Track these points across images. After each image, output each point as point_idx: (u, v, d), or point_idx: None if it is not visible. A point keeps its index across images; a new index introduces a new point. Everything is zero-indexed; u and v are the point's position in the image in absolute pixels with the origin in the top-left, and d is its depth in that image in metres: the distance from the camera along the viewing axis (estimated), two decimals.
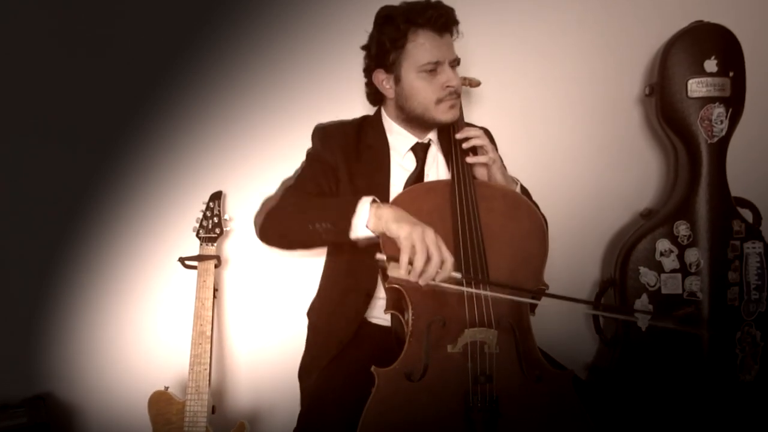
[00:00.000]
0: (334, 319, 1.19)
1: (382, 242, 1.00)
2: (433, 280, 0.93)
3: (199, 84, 1.49)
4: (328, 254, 1.26)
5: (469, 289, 0.98)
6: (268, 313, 1.53)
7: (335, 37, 1.48)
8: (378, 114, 1.26)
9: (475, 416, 0.93)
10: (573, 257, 1.56)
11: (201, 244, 1.41)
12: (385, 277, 1.04)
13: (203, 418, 1.30)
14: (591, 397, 1.02)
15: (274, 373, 1.50)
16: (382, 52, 1.15)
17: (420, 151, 1.21)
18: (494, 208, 1.08)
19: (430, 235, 0.92)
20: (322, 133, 1.22)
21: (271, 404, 1.53)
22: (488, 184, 1.14)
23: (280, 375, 1.48)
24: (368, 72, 1.22)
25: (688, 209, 1.44)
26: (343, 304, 1.17)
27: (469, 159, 1.14)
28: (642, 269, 1.43)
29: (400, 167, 1.21)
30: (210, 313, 1.36)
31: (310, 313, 1.28)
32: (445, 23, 1.13)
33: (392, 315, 1.10)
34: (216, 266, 1.41)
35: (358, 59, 1.24)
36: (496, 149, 1.20)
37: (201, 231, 1.41)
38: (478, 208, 1.06)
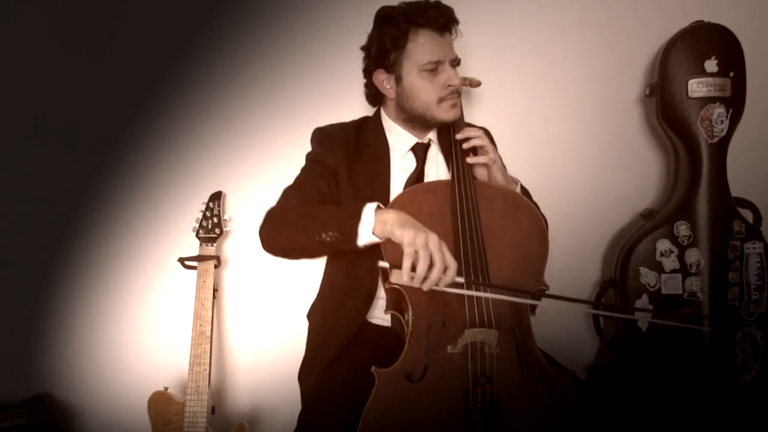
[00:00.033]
0: (334, 320, 1.18)
1: (383, 246, 1.00)
2: (437, 285, 0.92)
3: (199, 84, 1.49)
4: (329, 256, 1.26)
5: (470, 292, 0.98)
6: (267, 314, 1.53)
7: (335, 37, 1.48)
8: (377, 114, 1.26)
9: (475, 417, 0.93)
10: (573, 257, 1.56)
11: (200, 245, 1.41)
12: (386, 278, 1.04)
13: (203, 419, 1.30)
14: (591, 397, 1.02)
15: (273, 374, 1.50)
16: (383, 52, 1.15)
17: (420, 152, 1.21)
18: (494, 208, 1.08)
19: (433, 240, 0.92)
20: (322, 136, 1.22)
21: (271, 405, 1.52)
22: (488, 184, 1.13)
23: (280, 375, 1.48)
24: (368, 72, 1.21)
25: (689, 209, 1.44)
26: (344, 305, 1.17)
27: (470, 159, 1.13)
28: (642, 269, 1.43)
29: (400, 167, 1.21)
30: (209, 314, 1.36)
31: (311, 315, 1.28)
32: (445, 23, 1.13)
33: (392, 315, 1.10)
34: (216, 266, 1.41)
35: (358, 59, 1.24)
36: (496, 149, 1.20)
37: (201, 231, 1.41)
38: (478, 209, 1.06)
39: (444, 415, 0.94)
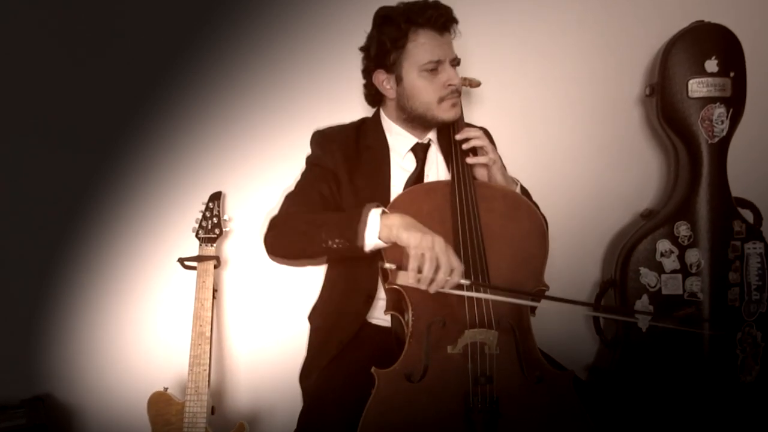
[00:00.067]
0: (334, 320, 1.19)
1: (384, 249, 1.00)
2: (443, 288, 0.92)
3: (199, 84, 1.48)
4: (331, 258, 1.26)
5: (475, 294, 0.98)
6: (267, 314, 1.53)
7: (335, 37, 1.48)
8: (377, 115, 1.26)
9: (475, 417, 0.93)
10: (573, 258, 1.56)
11: (200, 245, 1.41)
12: (386, 279, 1.04)
13: (203, 419, 1.30)
14: (591, 397, 1.02)
15: (273, 374, 1.50)
16: (383, 52, 1.15)
17: (420, 152, 1.21)
18: (494, 208, 1.08)
19: (439, 243, 0.93)
20: (321, 138, 1.22)
21: (271, 405, 1.52)
22: (488, 184, 1.13)
23: (280, 376, 1.48)
24: (367, 73, 1.21)
25: (689, 210, 1.44)
26: (344, 306, 1.17)
27: (470, 159, 1.13)
28: (642, 270, 1.43)
29: (400, 168, 1.21)
30: (209, 314, 1.36)
31: (312, 317, 1.28)
32: (444, 22, 1.13)
33: (392, 316, 1.10)
34: (215, 267, 1.41)
35: (358, 60, 1.24)
36: (496, 149, 1.19)
37: (200, 231, 1.41)
38: (478, 209, 1.06)
39: (444, 416, 0.94)
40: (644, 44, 1.54)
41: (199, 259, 1.40)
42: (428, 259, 0.91)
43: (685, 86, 1.43)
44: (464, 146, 1.15)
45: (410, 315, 1.00)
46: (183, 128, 1.49)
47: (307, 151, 1.24)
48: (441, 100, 1.14)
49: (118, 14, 1.45)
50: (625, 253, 1.45)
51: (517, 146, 1.45)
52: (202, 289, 1.37)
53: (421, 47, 1.12)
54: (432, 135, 1.24)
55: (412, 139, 1.22)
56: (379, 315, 1.17)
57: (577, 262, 1.57)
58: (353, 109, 1.38)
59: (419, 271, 0.91)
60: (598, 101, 1.57)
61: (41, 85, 1.44)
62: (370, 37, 1.19)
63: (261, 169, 1.50)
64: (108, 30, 1.45)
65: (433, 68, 1.13)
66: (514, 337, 1.00)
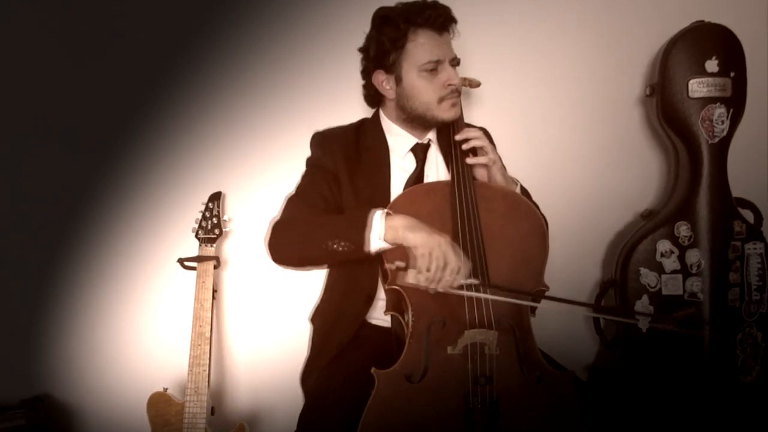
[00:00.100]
0: (334, 321, 1.19)
1: (386, 250, 1.00)
2: (450, 287, 0.92)
3: (199, 84, 1.48)
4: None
5: (476, 294, 0.97)
6: (267, 315, 1.53)
7: (335, 37, 1.48)
8: (376, 116, 1.26)
9: (475, 417, 0.93)
10: (573, 258, 1.55)
11: (200, 245, 1.41)
12: (386, 279, 1.04)
13: (202, 420, 1.30)
14: (591, 398, 1.02)
15: (273, 375, 1.50)
16: (382, 52, 1.15)
17: (420, 152, 1.21)
18: (494, 208, 1.08)
19: (445, 242, 0.93)
20: (321, 139, 1.22)
21: (271, 405, 1.52)
22: (488, 184, 1.13)
23: (280, 376, 1.48)
24: (366, 73, 1.21)
25: (689, 210, 1.44)
26: (344, 306, 1.17)
27: (469, 160, 1.13)
28: (643, 270, 1.43)
29: (400, 168, 1.21)
30: (209, 314, 1.36)
31: (314, 318, 1.28)
32: (443, 22, 1.13)
33: (392, 316, 1.10)
34: (215, 267, 1.41)
35: (358, 60, 1.23)
36: (495, 150, 1.19)
37: (200, 232, 1.41)
38: (478, 209, 1.06)
39: (444, 416, 0.94)
40: (644, 44, 1.54)
41: (199, 259, 1.40)
42: (435, 258, 0.91)
43: (685, 86, 1.42)
44: (464, 146, 1.14)
45: (410, 315, 1.00)
46: (183, 128, 1.49)
47: (307, 151, 1.24)
48: (441, 100, 1.14)
49: (118, 14, 1.46)
50: (626, 253, 1.45)
51: (517, 146, 1.45)
52: (202, 289, 1.37)
53: (420, 47, 1.12)
54: (432, 135, 1.24)
55: (411, 140, 1.22)
56: (379, 315, 1.17)
57: (577, 262, 1.57)
58: (353, 109, 1.37)
59: (426, 270, 0.91)
60: (598, 101, 1.57)
61: (41, 85, 1.44)
62: (369, 38, 1.19)
63: (261, 169, 1.50)
64: (108, 30, 1.45)
65: (433, 68, 1.13)
66: (514, 338, 1.00)
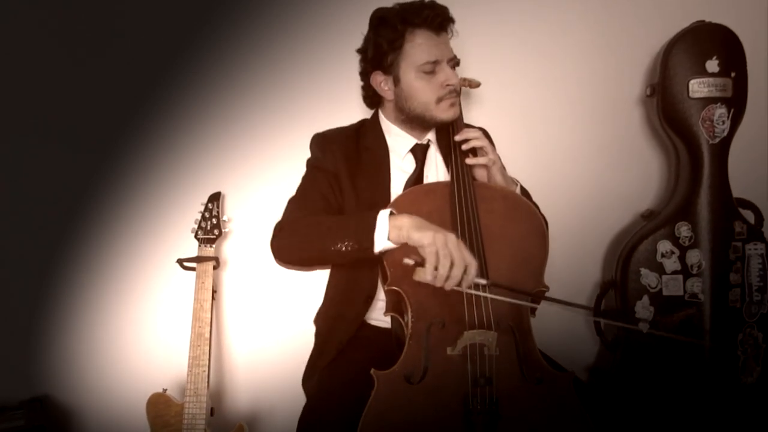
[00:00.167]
0: (334, 322, 1.19)
1: (388, 250, 0.99)
2: (459, 285, 0.92)
3: (199, 84, 1.48)
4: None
5: (478, 292, 0.97)
6: (267, 315, 1.53)
7: (335, 37, 1.47)
8: (375, 117, 1.26)
9: (474, 419, 0.93)
10: (573, 258, 1.55)
11: (199, 246, 1.41)
12: (385, 280, 1.03)
13: (202, 421, 1.30)
14: (592, 399, 1.02)
15: (273, 375, 1.50)
16: (380, 53, 1.15)
17: (419, 153, 1.21)
18: (494, 209, 1.08)
19: (452, 240, 0.92)
20: (321, 140, 1.21)
21: (270, 406, 1.52)
22: (488, 185, 1.13)
23: (279, 377, 1.47)
24: (365, 75, 1.21)
25: (690, 210, 1.43)
26: (344, 307, 1.17)
27: (469, 160, 1.13)
28: (643, 271, 1.42)
29: (400, 169, 1.21)
30: (208, 315, 1.36)
31: (316, 319, 1.28)
32: (441, 22, 1.13)
33: (392, 317, 1.10)
34: (215, 268, 1.41)
35: (358, 60, 1.23)
36: (495, 150, 1.19)
37: (199, 232, 1.41)
38: (477, 210, 1.06)
39: (443, 417, 0.94)
40: (645, 44, 1.54)
41: (199, 260, 1.40)
42: (443, 256, 0.91)
43: (686, 86, 1.42)
44: (464, 147, 1.14)
45: (410, 316, 1.00)
46: (183, 128, 1.49)
47: (307, 151, 1.23)
48: (439, 100, 1.14)
49: (118, 14, 1.45)
50: (626, 253, 1.44)
51: (517, 146, 1.45)
52: (202, 290, 1.37)
53: (418, 48, 1.12)
54: (431, 136, 1.24)
55: (411, 140, 1.22)
56: (379, 316, 1.16)
57: (578, 262, 1.57)
58: (353, 109, 1.37)
59: (435, 268, 0.91)
60: (598, 101, 1.56)
61: (41, 85, 1.44)
62: (366, 39, 1.19)
63: (260, 170, 1.50)
64: (108, 30, 1.45)
65: (431, 69, 1.12)
66: (513, 338, 1.00)
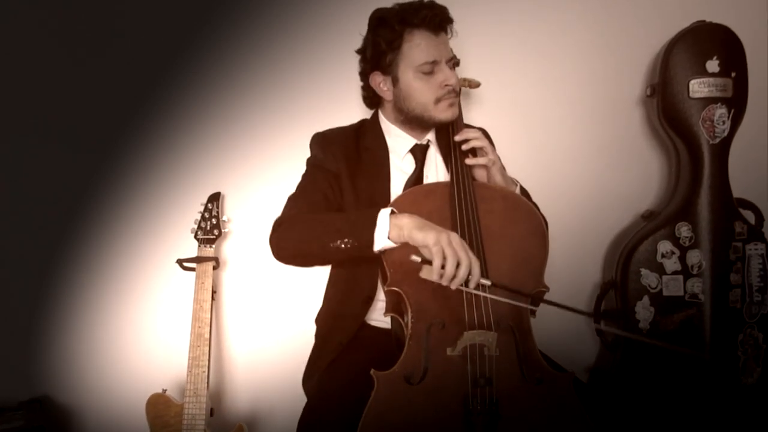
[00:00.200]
0: (334, 322, 1.19)
1: (388, 250, 0.99)
2: (464, 285, 0.92)
3: (198, 84, 1.48)
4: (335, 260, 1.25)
5: (481, 292, 0.97)
6: (266, 316, 1.53)
7: (335, 37, 1.47)
8: (375, 117, 1.26)
9: (475, 419, 0.93)
10: (573, 259, 1.55)
11: (199, 246, 1.41)
12: (385, 280, 1.03)
13: (201, 421, 1.30)
14: (592, 399, 1.02)
15: (273, 376, 1.50)
16: (378, 54, 1.15)
17: (419, 153, 1.21)
18: (494, 209, 1.08)
19: (456, 239, 0.92)
20: (321, 140, 1.21)
21: (270, 407, 1.52)
22: (488, 185, 1.13)
23: (279, 377, 1.47)
24: (364, 75, 1.21)
25: (690, 210, 1.43)
26: (344, 307, 1.17)
27: (469, 161, 1.13)
28: (643, 271, 1.42)
29: (400, 170, 1.20)
30: (208, 316, 1.36)
31: (317, 319, 1.28)
32: (440, 22, 1.12)
33: (392, 318, 1.10)
34: (214, 268, 1.40)
35: (358, 60, 1.23)
36: (495, 150, 1.19)
37: (199, 232, 1.41)
38: (477, 210, 1.06)
39: (443, 418, 0.94)
40: (645, 44, 1.54)
41: (198, 260, 1.40)
42: (450, 256, 0.90)
43: (686, 86, 1.42)
44: (464, 147, 1.14)
45: (410, 317, 1.00)
46: (183, 128, 1.49)
47: (307, 151, 1.23)
48: (438, 100, 1.14)
49: (118, 14, 1.46)
50: (626, 254, 1.44)
51: (517, 147, 1.45)
52: (201, 290, 1.37)
53: (416, 48, 1.12)
54: (431, 136, 1.24)
55: (410, 141, 1.22)
56: (379, 317, 1.16)
57: (578, 263, 1.57)
58: (353, 109, 1.37)
59: (441, 267, 0.91)
60: (598, 101, 1.56)
61: (41, 85, 1.44)
62: (365, 40, 1.19)
63: (260, 170, 1.50)
64: (108, 30, 1.45)
65: (429, 69, 1.12)
66: (513, 339, 1.00)
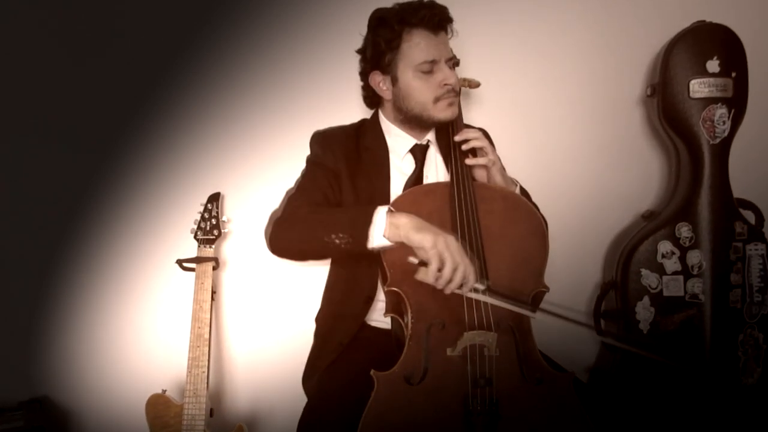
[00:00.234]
0: (334, 322, 1.19)
1: (385, 249, 0.99)
2: (460, 288, 0.92)
3: (198, 84, 1.48)
4: (333, 259, 1.26)
5: (477, 296, 0.97)
6: (266, 316, 1.52)
7: (335, 37, 1.47)
8: (375, 117, 1.26)
9: (475, 419, 0.93)
10: (574, 259, 1.55)
11: (199, 246, 1.41)
12: (385, 280, 1.03)
13: (201, 422, 1.30)
14: (592, 399, 1.02)
15: (272, 376, 1.50)
16: (378, 53, 1.15)
17: (419, 153, 1.21)
18: (494, 209, 1.08)
19: (453, 243, 0.92)
20: (322, 138, 1.21)
21: (270, 407, 1.52)
22: (487, 185, 1.13)
23: (279, 377, 1.47)
24: (364, 75, 1.21)
25: (690, 211, 1.43)
26: (344, 307, 1.17)
27: (469, 161, 1.13)
28: (643, 271, 1.42)
29: (399, 170, 1.20)
30: (208, 316, 1.36)
31: (317, 319, 1.28)
32: (439, 22, 1.12)
33: (392, 318, 1.10)
34: (214, 268, 1.40)
35: (358, 60, 1.23)
36: (495, 150, 1.19)
37: (199, 233, 1.41)
38: (477, 210, 1.06)
39: (443, 418, 0.94)
40: (645, 44, 1.53)
41: (198, 260, 1.39)
42: (446, 259, 0.91)
43: (686, 86, 1.42)
44: (463, 147, 1.14)
45: (410, 317, 1.00)
46: (183, 128, 1.49)
47: (307, 151, 1.23)
48: (437, 99, 1.14)
49: (118, 14, 1.46)
50: (626, 254, 1.44)
51: (517, 147, 1.44)
52: (201, 290, 1.37)
53: (416, 47, 1.12)
54: (431, 136, 1.24)
55: (410, 140, 1.22)
56: (379, 317, 1.16)
57: (578, 263, 1.57)
58: (353, 109, 1.37)
59: (438, 270, 0.91)
60: (598, 101, 1.56)
61: (41, 85, 1.44)
62: (365, 40, 1.19)
63: (260, 170, 1.50)
64: (108, 30, 1.45)
65: (428, 68, 1.12)
66: (513, 339, 1.00)
